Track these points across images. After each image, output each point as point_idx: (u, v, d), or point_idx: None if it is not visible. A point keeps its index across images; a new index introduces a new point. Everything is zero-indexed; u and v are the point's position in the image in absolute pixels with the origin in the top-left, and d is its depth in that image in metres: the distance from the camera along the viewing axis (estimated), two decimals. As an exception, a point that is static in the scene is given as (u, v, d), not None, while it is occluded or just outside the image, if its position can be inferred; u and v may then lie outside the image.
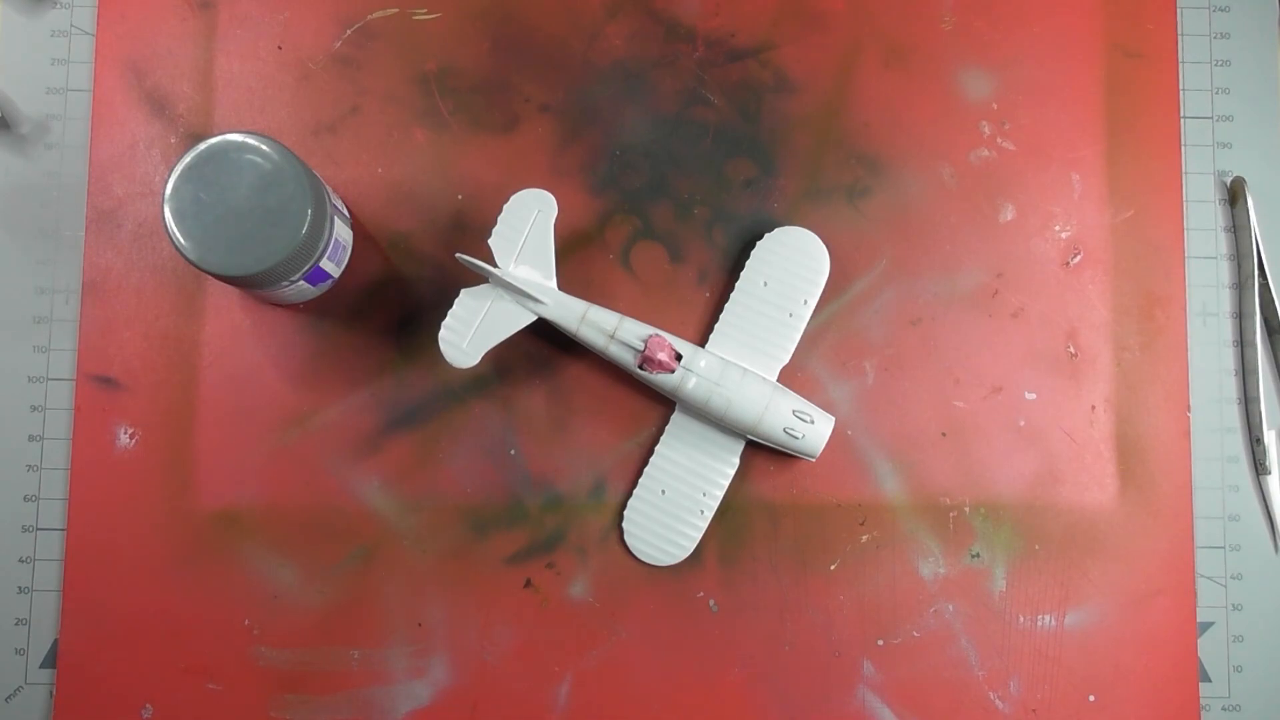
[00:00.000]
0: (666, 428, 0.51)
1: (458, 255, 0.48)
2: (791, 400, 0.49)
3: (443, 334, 0.48)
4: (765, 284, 0.51)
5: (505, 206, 0.49)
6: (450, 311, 0.48)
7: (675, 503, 0.50)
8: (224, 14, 0.53)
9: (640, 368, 0.49)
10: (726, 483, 0.51)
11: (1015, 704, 0.51)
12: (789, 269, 0.51)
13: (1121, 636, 0.51)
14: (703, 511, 0.50)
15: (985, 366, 0.52)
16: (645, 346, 0.49)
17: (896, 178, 0.53)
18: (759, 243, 0.51)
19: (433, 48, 0.53)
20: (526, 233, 0.49)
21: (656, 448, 0.51)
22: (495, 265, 0.49)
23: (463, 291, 0.49)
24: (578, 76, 0.53)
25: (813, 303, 0.51)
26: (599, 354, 0.50)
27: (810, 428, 0.49)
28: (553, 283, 0.49)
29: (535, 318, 0.49)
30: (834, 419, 0.50)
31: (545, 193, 0.49)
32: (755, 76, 0.53)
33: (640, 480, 0.51)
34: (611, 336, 0.49)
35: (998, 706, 0.51)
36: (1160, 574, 0.52)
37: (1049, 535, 0.52)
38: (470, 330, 0.48)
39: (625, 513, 0.51)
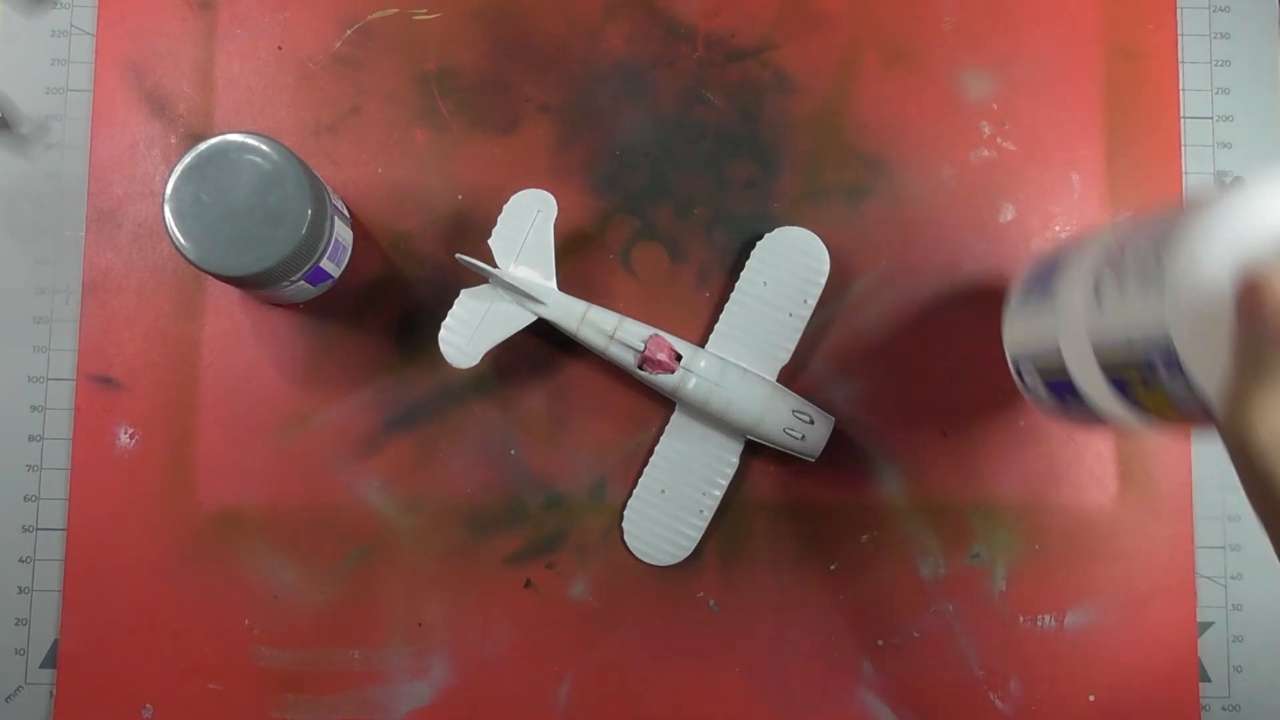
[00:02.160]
0: (666, 428, 0.51)
1: (457, 256, 0.48)
2: (791, 400, 0.49)
3: (443, 334, 0.48)
4: (765, 284, 0.51)
5: (505, 207, 0.49)
6: (450, 312, 0.48)
7: (675, 502, 0.50)
8: (224, 14, 0.53)
9: (640, 368, 0.49)
10: (726, 482, 0.51)
11: (1015, 704, 0.51)
12: (789, 269, 0.51)
13: (1121, 636, 0.51)
14: (702, 511, 0.50)
15: (985, 366, 0.52)
16: (645, 347, 0.49)
17: (896, 178, 0.53)
18: (759, 243, 0.51)
19: (433, 48, 0.53)
20: (526, 233, 0.49)
21: (656, 448, 0.51)
22: (495, 266, 0.49)
23: (463, 292, 0.49)
24: (577, 77, 0.53)
25: (812, 302, 0.51)
26: (599, 354, 0.50)
27: (810, 428, 0.49)
28: (553, 283, 0.49)
29: (535, 318, 0.49)
30: (833, 419, 0.50)
31: (545, 193, 0.49)
32: (755, 77, 0.53)
33: (640, 480, 0.51)
34: (611, 337, 0.49)
35: (997, 706, 0.51)
36: (1160, 574, 0.52)
37: (1049, 535, 0.52)
38: (470, 331, 0.48)
39: (625, 512, 0.51)
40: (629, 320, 0.49)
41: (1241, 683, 0.52)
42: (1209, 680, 0.51)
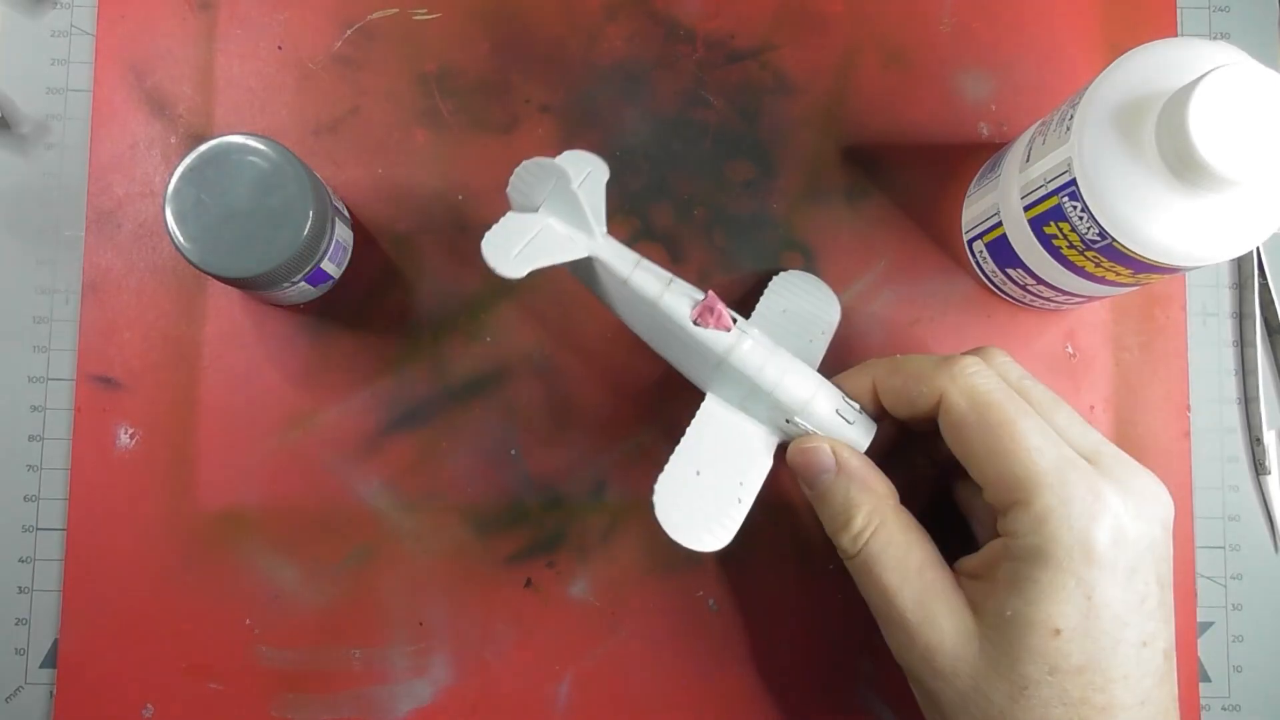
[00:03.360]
0: (698, 414, 0.47)
1: (527, 161, 0.46)
2: (839, 392, 0.47)
3: (488, 239, 0.44)
4: (784, 311, 0.50)
5: (559, 158, 0.46)
6: (499, 222, 0.45)
7: (711, 486, 0.46)
8: (224, 14, 0.53)
9: (695, 321, 0.45)
10: (761, 479, 0.47)
11: (1015, 703, 0.51)
12: (803, 304, 0.51)
13: (1121, 636, 0.51)
14: (740, 500, 0.46)
15: (985, 367, 0.52)
16: (705, 297, 0.46)
17: (895, 179, 0.53)
18: (774, 279, 0.51)
19: (433, 48, 0.53)
20: (582, 180, 0.46)
21: (688, 430, 0.47)
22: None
23: (510, 213, 0.46)
24: (578, 77, 0.53)
25: (829, 334, 0.50)
26: (644, 305, 0.46)
27: (860, 416, 0.46)
28: (603, 228, 0.46)
29: (585, 255, 0.45)
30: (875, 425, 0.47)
31: (596, 157, 0.47)
32: (755, 78, 0.53)
33: (672, 459, 0.46)
34: (668, 285, 0.46)
35: (997, 706, 0.51)
36: (1160, 574, 0.52)
37: (1048, 535, 0.52)
38: (520, 243, 0.44)
39: (656, 487, 0.46)
40: (679, 280, 0.46)
41: (1241, 683, 0.52)
42: (1209, 680, 0.52)
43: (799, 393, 0.45)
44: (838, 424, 0.45)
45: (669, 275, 0.46)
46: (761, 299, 0.51)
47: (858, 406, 0.46)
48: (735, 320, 0.46)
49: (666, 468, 0.46)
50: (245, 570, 0.51)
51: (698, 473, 0.46)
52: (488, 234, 0.44)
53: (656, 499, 0.45)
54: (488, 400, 0.52)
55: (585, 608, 0.51)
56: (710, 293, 0.46)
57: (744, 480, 0.46)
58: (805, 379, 0.45)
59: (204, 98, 0.53)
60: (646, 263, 0.46)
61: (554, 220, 0.45)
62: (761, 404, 0.46)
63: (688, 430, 0.47)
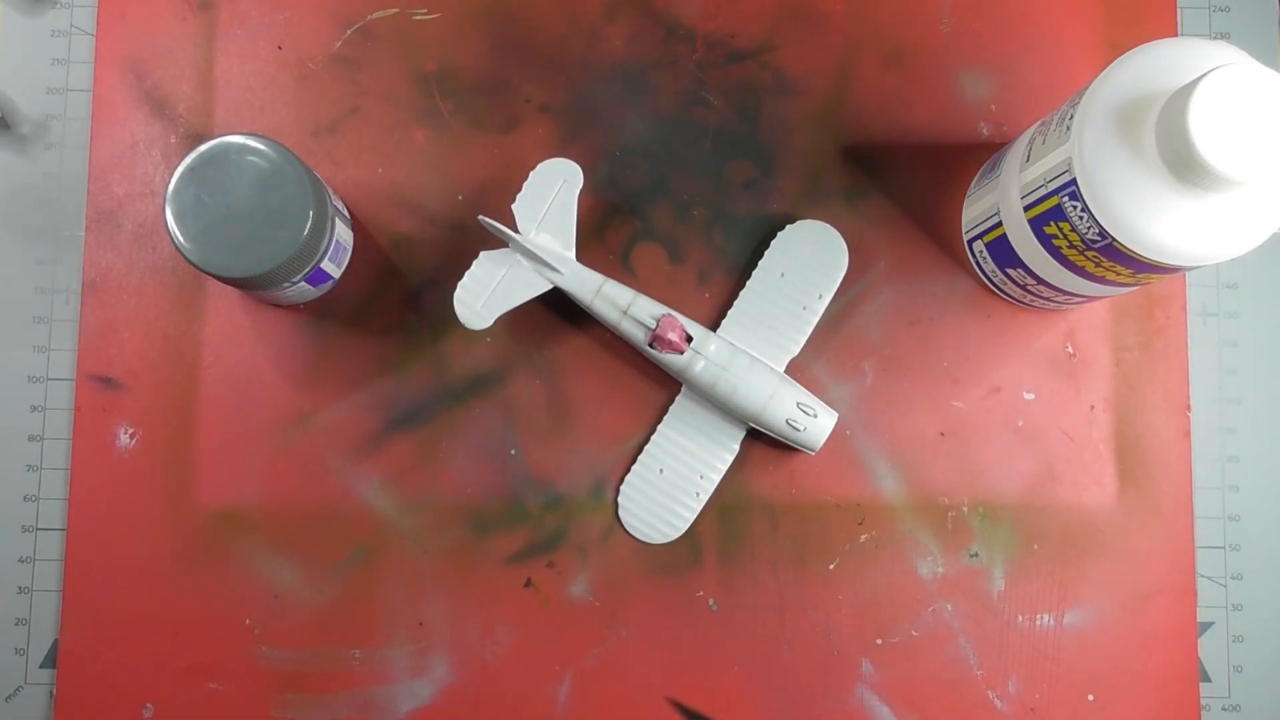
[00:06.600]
0: (670, 409, 0.51)
1: (480, 218, 0.49)
2: (796, 392, 0.49)
3: (458, 294, 0.49)
4: (782, 275, 0.51)
5: (531, 174, 0.49)
6: (468, 272, 0.49)
7: (672, 482, 0.51)
8: (224, 14, 0.53)
9: (650, 346, 0.49)
10: (724, 467, 0.51)
11: (1013, 703, 0.51)
12: (807, 262, 0.51)
13: (1121, 636, 0.51)
14: (699, 494, 0.51)
15: (984, 366, 0.52)
16: (656, 325, 0.49)
17: (895, 179, 0.53)
18: (779, 234, 0.52)
19: (433, 48, 0.53)
20: (550, 201, 0.49)
21: (659, 427, 0.51)
22: (517, 230, 0.49)
23: (482, 253, 0.49)
24: (578, 77, 0.53)
25: (827, 297, 0.51)
26: (610, 329, 0.50)
27: (813, 421, 0.49)
28: (571, 253, 0.49)
29: (550, 286, 0.49)
30: (837, 415, 0.50)
31: (571, 163, 0.49)
32: (755, 78, 0.53)
33: (639, 458, 0.51)
34: (624, 313, 0.49)
35: (996, 706, 0.51)
36: (1160, 574, 0.52)
37: (1047, 535, 0.52)
38: (486, 293, 0.49)
39: (622, 488, 0.51)
40: (643, 297, 0.49)
41: (1241, 683, 0.52)
42: (1209, 680, 0.52)
43: (750, 406, 0.49)
44: (788, 432, 0.49)
45: (630, 297, 0.49)
46: (764, 258, 0.52)
47: (813, 410, 0.49)
48: (691, 339, 0.49)
49: (634, 467, 0.51)
50: (245, 570, 0.51)
51: (660, 471, 0.51)
52: (460, 288, 0.49)
53: (621, 499, 0.51)
54: (487, 400, 0.52)
55: (585, 608, 0.51)
56: (664, 318, 0.49)
57: (705, 473, 0.51)
58: (757, 392, 0.49)
59: (204, 98, 0.53)
60: (609, 286, 0.49)
61: (520, 258, 0.49)
62: (722, 408, 0.50)
63: (659, 425, 0.51)
